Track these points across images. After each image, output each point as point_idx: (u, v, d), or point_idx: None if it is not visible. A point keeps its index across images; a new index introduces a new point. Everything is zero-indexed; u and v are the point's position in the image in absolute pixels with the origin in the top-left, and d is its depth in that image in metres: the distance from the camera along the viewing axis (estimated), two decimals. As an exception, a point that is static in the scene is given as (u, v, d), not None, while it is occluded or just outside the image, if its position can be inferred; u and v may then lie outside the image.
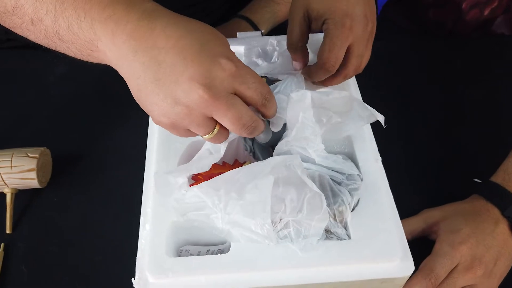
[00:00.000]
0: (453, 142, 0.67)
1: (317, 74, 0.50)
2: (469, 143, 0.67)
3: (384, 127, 0.46)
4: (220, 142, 0.43)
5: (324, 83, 0.53)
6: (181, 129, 0.41)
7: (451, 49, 0.80)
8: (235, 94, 0.39)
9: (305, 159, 0.47)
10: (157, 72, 0.37)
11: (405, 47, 0.81)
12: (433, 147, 0.67)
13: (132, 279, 0.43)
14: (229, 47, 0.40)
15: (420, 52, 0.80)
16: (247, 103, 0.40)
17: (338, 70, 0.50)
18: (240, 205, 0.39)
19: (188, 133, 0.41)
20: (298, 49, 0.53)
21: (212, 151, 0.44)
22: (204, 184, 0.41)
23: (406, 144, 0.67)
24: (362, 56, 0.51)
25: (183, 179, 0.42)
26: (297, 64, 0.53)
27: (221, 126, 0.40)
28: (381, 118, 0.45)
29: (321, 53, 0.49)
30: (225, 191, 0.40)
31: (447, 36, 0.87)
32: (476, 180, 0.61)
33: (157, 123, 0.40)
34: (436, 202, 0.57)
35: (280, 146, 0.48)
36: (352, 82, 0.58)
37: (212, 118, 0.39)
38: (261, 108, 0.41)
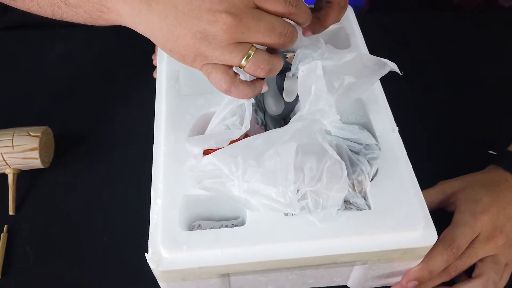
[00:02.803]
0: (466, 114, 0.66)
1: (332, 16, 0.48)
2: (483, 114, 0.66)
3: (401, 74, 0.44)
4: (263, 71, 0.39)
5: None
6: (220, 67, 0.39)
7: (459, 22, 0.78)
8: (259, 9, 0.38)
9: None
10: (177, 15, 0.36)
11: (411, 21, 0.79)
12: (447, 117, 0.66)
13: (146, 254, 0.41)
14: None
15: (427, 26, 0.78)
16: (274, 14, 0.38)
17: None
18: (260, 172, 0.37)
19: (227, 70, 0.39)
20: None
21: (230, 127, 0.42)
22: (219, 151, 0.39)
23: (419, 117, 0.65)
24: None
25: (198, 150, 0.40)
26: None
27: (257, 49, 0.38)
28: (394, 66, 0.44)
29: None
30: (242, 158, 0.38)
31: (454, 10, 0.85)
32: (491, 152, 0.60)
33: (194, 66, 0.39)
34: (451, 173, 0.56)
35: (294, 120, 0.46)
36: (361, 42, 0.57)
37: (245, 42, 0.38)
38: (291, 17, 0.39)
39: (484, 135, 0.63)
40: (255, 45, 0.39)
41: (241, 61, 0.38)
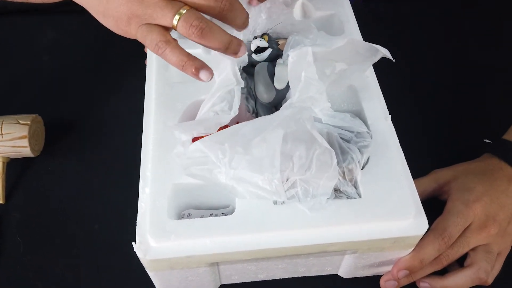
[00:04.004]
0: (462, 102, 0.65)
1: None
2: (479, 103, 0.65)
3: (394, 61, 0.43)
4: (195, 29, 0.37)
5: None
6: (155, 28, 0.38)
7: (462, 8, 0.77)
8: None
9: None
10: None
11: (410, 12, 0.78)
12: (442, 107, 0.65)
13: (133, 243, 0.41)
14: None
15: (429, 11, 0.77)
16: None
17: None
18: (247, 160, 0.37)
19: (162, 31, 0.38)
20: None
21: (219, 112, 0.42)
22: (207, 138, 0.38)
23: (414, 105, 0.65)
24: None
25: (187, 137, 0.39)
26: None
27: (190, 7, 0.38)
28: (386, 52, 0.43)
29: None
30: (229, 146, 0.37)
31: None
32: (486, 140, 0.59)
33: (130, 31, 0.39)
34: (445, 162, 0.55)
35: (283, 108, 0.46)
36: (355, 29, 0.56)
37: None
38: None
39: (479, 124, 0.62)
40: None
41: (172, 18, 0.37)
